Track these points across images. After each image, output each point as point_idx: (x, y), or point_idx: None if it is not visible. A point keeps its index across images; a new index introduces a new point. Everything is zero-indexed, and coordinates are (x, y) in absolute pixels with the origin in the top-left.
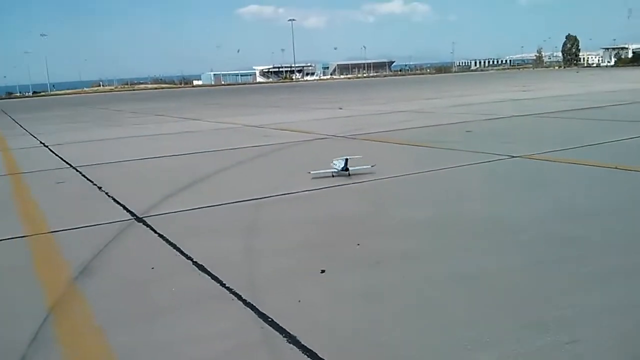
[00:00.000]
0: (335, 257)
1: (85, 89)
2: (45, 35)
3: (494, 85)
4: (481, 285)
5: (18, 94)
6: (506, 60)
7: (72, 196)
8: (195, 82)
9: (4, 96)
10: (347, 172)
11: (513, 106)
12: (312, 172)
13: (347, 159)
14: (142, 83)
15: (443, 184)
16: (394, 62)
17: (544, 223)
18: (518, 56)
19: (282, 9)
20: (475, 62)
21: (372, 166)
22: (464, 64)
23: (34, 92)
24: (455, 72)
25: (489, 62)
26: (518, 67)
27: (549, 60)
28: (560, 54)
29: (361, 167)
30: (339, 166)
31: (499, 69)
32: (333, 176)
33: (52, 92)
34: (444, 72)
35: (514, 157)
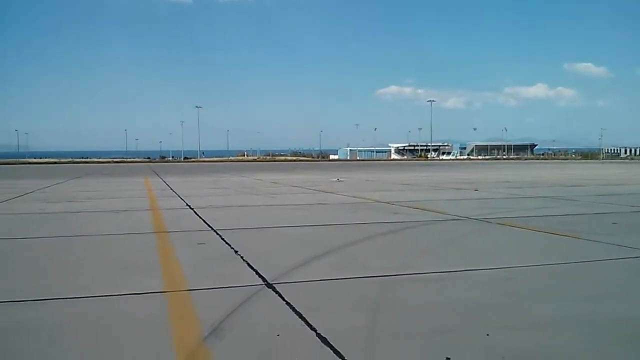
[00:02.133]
0: (461, 346)
1: (230, 157)
2: (200, 107)
3: None
4: None
5: (171, 159)
6: None
7: (210, 257)
8: (331, 157)
9: (158, 159)
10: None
11: None
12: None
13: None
14: (282, 154)
15: (581, 281)
16: (536, 145)
17: None
18: None
19: (421, 90)
20: (625, 150)
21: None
22: (612, 151)
23: (185, 158)
24: (603, 159)
25: None
26: None
27: None
28: None
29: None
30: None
31: None
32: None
33: (201, 159)
34: (591, 159)
35: None
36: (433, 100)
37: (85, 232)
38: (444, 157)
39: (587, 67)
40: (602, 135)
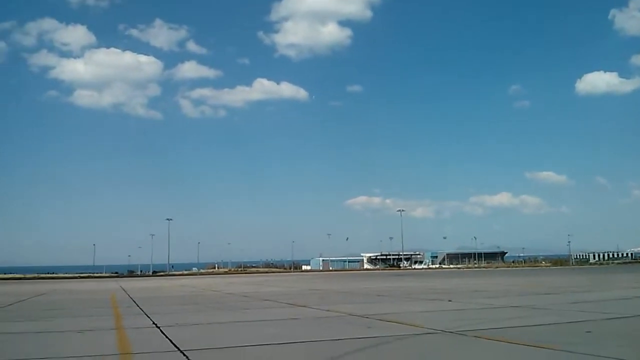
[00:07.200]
0: None
1: (201, 270)
2: (170, 219)
3: (613, 280)
4: None
5: (139, 273)
6: (627, 254)
7: None
8: (304, 267)
9: (126, 274)
10: None
11: (638, 305)
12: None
13: None
14: (254, 266)
15: None
16: (506, 253)
17: None
18: None
19: (389, 199)
20: (594, 255)
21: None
22: (581, 257)
23: (154, 272)
24: (572, 265)
25: (608, 255)
26: None
27: None
28: None
29: None
30: None
31: (619, 263)
32: None
33: (170, 272)
34: (561, 265)
35: None
36: (402, 210)
37: (48, 354)
38: (416, 266)
39: (548, 176)
40: (569, 242)
